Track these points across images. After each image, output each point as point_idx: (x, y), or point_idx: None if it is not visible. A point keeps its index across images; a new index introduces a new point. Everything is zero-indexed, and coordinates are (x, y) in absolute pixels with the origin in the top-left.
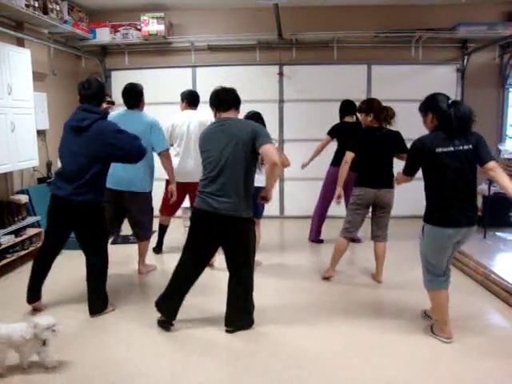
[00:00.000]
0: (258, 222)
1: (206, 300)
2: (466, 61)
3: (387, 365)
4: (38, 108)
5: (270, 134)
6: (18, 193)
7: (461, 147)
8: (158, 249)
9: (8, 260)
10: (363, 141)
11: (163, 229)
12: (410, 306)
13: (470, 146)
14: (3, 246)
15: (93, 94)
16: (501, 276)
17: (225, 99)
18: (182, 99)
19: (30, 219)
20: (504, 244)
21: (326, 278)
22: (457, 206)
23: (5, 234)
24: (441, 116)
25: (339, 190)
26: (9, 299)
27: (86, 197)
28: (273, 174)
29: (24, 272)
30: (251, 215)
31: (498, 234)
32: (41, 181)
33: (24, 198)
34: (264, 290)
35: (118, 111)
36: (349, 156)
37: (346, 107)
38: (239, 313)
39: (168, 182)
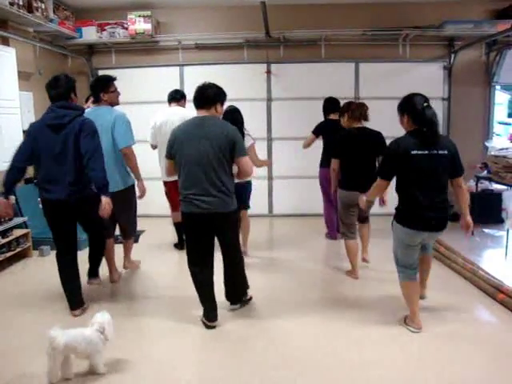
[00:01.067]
0: (246, 213)
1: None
2: (452, 58)
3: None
4: (24, 108)
5: (244, 143)
6: None
7: (435, 151)
8: (181, 246)
9: None
10: (344, 144)
11: (178, 225)
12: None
13: (446, 152)
14: None
15: (64, 90)
16: (488, 272)
17: (201, 97)
18: (169, 101)
19: (17, 220)
20: (492, 241)
21: (355, 278)
22: (428, 208)
23: None
24: (417, 119)
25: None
26: None
27: (84, 192)
28: (241, 178)
29: (11, 273)
30: (236, 207)
31: (486, 230)
32: (28, 181)
33: (11, 199)
34: (253, 286)
35: (88, 109)
36: (335, 163)
37: (330, 104)
38: (241, 288)
39: (165, 183)
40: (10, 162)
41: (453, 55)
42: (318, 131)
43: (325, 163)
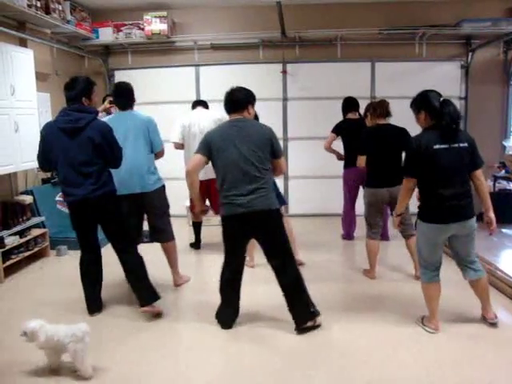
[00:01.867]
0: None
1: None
2: (470, 57)
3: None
4: (41, 108)
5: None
6: (22, 193)
7: (455, 144)
8: (196, 246)
9: (13, 261)
10: (369, 140)
11: (197, 225)
12: None
13: (466, 144)
14: (8, 247)
15: (78, 92)
16: (506, 273)
17: (232, 101)
18: (193, 106)
19: (35, 220)
20: (509, 241)
21: (372, 278)
22: (451, 198)
23: (9, 235)
24: (435, 114)
25: None
26: (14, 300)
27: (105, 189)
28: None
29: (29, 273)
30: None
31: (504, 230)
32: (45, 181)
33: (28, 199)
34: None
35: (108, 117)
36: (362, 160)
37: (348, 104)
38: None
39: None
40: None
41: (470, 54)
42: (338, 130)
43: (349, 163)
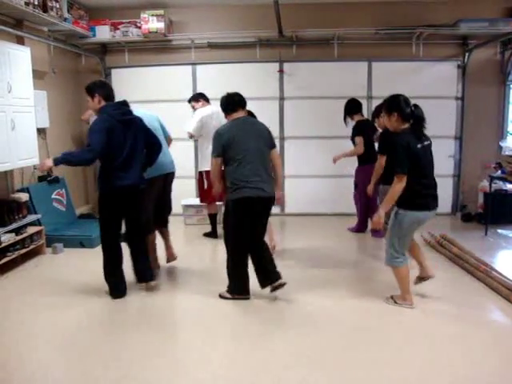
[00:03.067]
0: None
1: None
2: (466, 57)
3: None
4: (38, 106)
5: None
6: (18, 191)
7: (425, 142)
8: (214, 235)
9: (9, 258)
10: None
11: (213, 216)
12: None
13: (429, 142)
14: (4, 245)
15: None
16: (502, 273)
17: (240, 100)
18: (197, 99)
19: (31, 217)
20: (505, 241)
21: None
22: (431, 192)
23: (5, 233)
24: (407, 116)
25: None
26: (9, 298)
27: (143, 179)
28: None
29: (25, 270)
30: None
31: (499, 231)
32: (41, 179)
33: (24, 197)
34: None
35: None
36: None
37: (357, 105)
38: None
39: (201, 174)
40: (94, 152)
41: (467, 54)
42: (363, 133)
43: (366, 161)
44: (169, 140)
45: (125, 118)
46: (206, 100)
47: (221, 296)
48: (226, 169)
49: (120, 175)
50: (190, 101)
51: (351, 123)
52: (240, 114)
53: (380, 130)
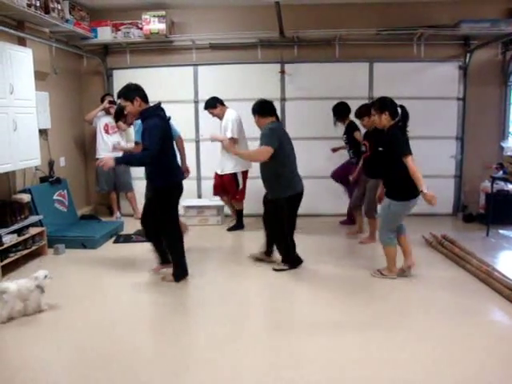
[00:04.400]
0: None
1: None
2: (468, 58)
3: None
4: (39, 107)
5: None
6: (20, 192)
7: (406, 136)
8: (242, 226)
9: (11, 259)
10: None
11: (241, 212)
12: None
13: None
14: (6, 246)
15: None
16: (504, 273)
17: (274, 107)
18: (215, 105)
19: (33, 218)
20: (507, 242)
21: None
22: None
23: (7, 234)
24: (395, 115)
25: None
26: None
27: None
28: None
29: (26, 271)
30: None
31: (501, 231)
32: (43, 180)
33: (26, 197)
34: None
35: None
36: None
37: (348, 108)
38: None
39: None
40: (152, 156)
41: (468, 55)
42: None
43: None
44: (179, 141)
45: (168, 117)
46: (222, 103)
47: (277, 270)
48: (275, 164)
49: (174, 172)
50: (206, 107)
51: (341, 126)
52: (273, 118)
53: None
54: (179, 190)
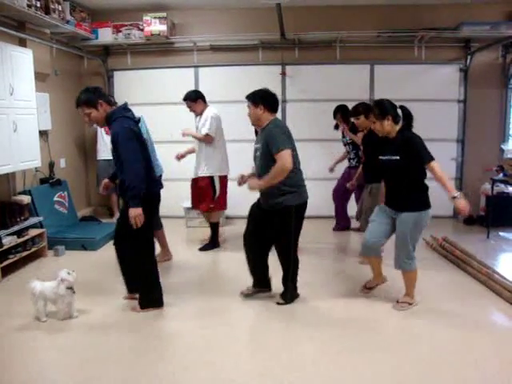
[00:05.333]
0: None
1: None
2: (468, 60)
3: None
4: (40, 108)
5: None
6: (20, 193)
7: None
8: (216, 245)
9: (10, 261)
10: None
11: (216, 225)
12: None
13: None
14: (5, 247)
15: None
16: (504, 276)
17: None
18: (195, 99)
19: (33, 220)
20: (507, 244)
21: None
22: None
23: (7, 235)
24: (398, 118)
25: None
26: (11, 300)
27: None
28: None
29: (26, 273)
30: None
31: (501, 233)
32: (43, 181)
33: (26, 199)
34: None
35: None
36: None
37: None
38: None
39: (211, 179)
40: (136, 167)
41: (469, 57)
42: None
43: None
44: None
45: (136, 120)
46: (204, 100)
47: (285, 298)
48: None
49: (150, 179)
50: (185, 99)
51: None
52: (275, 115)
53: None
54: (158, 199)
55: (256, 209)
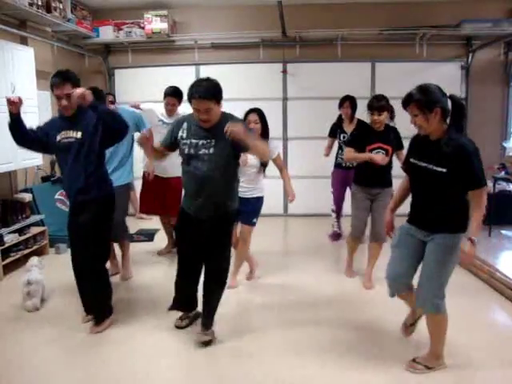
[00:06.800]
0: None
1: None
2: (470, 58)
3: None
4: (41, 106)
5: None
6: (21, 191)
7: None
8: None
9: (12, 258)
10: None
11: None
12: None
13: None
14: (7, 245)
15: None
16: (506, 274)
17: None
18: (181, 99)
19: (34, 218)
20: (509, 242)
21: None
22: None
23: (9, 233)
24: (447, 111)
25: None
26: (12, 297)
27: None
28: None
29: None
30: None
31: (503, 231)
32: (45, 179)
33: (28, 197)
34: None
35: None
36: None
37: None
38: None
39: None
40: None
41: (471, 55)
42: None
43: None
44: None
45: None
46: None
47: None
48: (237, 166)
49: (109, 178)
50: (173, 95)
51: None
52: None
53: None
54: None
55: (184, 224)
